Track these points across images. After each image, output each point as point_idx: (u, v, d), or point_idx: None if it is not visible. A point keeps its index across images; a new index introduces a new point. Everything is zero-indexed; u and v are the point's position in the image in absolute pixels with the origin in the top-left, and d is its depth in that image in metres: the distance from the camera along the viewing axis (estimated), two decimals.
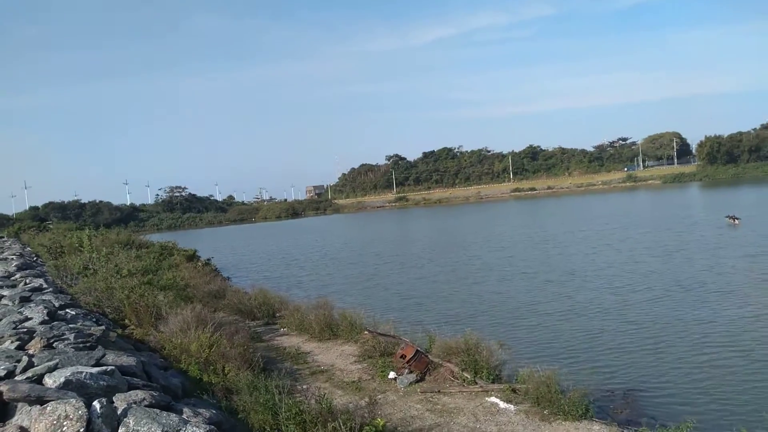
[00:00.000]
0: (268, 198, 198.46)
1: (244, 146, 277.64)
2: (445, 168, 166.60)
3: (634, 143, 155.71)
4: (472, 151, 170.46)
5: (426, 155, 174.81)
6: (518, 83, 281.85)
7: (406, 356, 9.99)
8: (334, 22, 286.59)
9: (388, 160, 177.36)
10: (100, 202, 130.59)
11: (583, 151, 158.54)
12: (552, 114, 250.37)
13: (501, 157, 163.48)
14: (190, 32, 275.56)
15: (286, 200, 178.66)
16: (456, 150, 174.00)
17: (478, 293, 20.61)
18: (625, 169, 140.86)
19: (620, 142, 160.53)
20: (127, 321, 11.54)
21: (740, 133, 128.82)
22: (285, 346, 12.46)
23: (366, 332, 12.00)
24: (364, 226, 77.44)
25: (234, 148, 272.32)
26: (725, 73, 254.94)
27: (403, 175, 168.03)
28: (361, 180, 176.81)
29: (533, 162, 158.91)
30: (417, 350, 10.12)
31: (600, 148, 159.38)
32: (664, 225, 38.39)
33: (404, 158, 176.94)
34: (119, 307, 12.29)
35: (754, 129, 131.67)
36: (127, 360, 6.87)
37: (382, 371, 10.19)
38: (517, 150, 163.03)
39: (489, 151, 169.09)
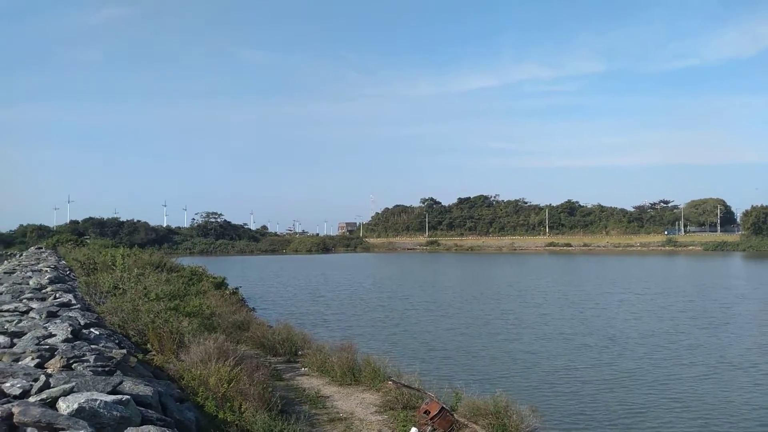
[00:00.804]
0: (300, 231, 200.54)
1: (282, 178, 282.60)
2: (479, 215, 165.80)
3: (676, 207, 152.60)
4: (509, 201, 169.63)
5: (461, 201, 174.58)
6: (560, 137, 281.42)
7: (430, 412, 9.49)
8: (375, 64, 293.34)
9: (423, 203, 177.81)
10: (138, 221, 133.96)
11: (622, 210, 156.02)
12: (593, 170, 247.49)
13: (538, 209, 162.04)
14: (238, 66, 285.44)
15: (318, 234, 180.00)
16: (492, 198, 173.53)
17: (510, 351, 19.77)
18: (666, 232, 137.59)
19: (662, 204, 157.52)
20: (149, 346, 11.38)
21: None
22: (305, 387, 12.07)
23: (389, 382, 11.53)
24: (394, 267, 76.95)
25: (271, 180, 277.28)
26: None
27: (437, 219, 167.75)
28: (394, 221, 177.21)
29: (570, 217, 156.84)
30: (442, 407, 9.61)
31: (640, 209, 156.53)
32: (708, 295, 36.89)
33: (439, 202, 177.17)
34: (143, 330, 12.17)
35: None
36: (144, 389, 6.63)
37: (403, 426, 9.70)
38: (554, 204, 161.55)
39: (526, 203, 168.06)
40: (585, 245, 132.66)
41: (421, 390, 11.07)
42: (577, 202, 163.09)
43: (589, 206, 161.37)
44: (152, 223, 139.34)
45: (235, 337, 15.31)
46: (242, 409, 8.51)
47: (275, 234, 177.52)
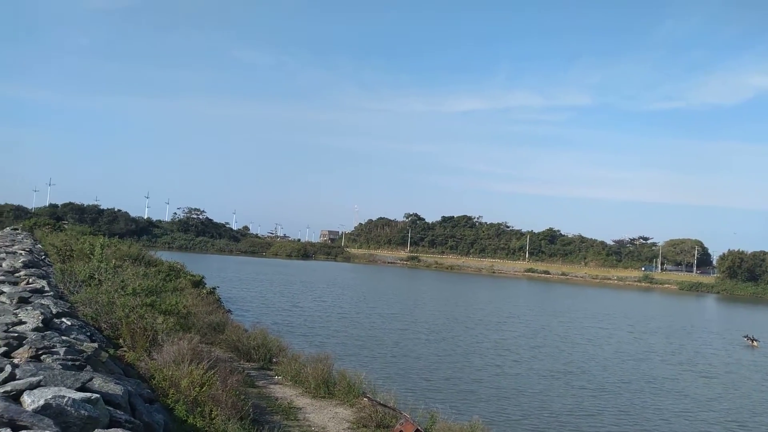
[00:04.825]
0: (282, 235, 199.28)
1: (267, 180, 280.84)
2: (462, 235, 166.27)
3: (654, 244, 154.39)
4: (491, 224, 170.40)
5: (445, 219, 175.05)
6: (545, 164, 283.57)
7: None
8: (368, 76, 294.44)
9: (407, 218, 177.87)
10: (119, 210, 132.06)
11: (602, 243, 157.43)
12: (575, 200, 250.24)
13: (519, 234, 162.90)
14: (233, 65, 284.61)
15: (299, 240, 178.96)
16: (475, 219, 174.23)
17: (492, 379, 19.51)
18: (643, 268, 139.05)
19: (641, 240, 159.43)
20: (121, 341, 11.04)
21: (764, 252, 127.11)
22: (278, 396, 11.80)
23: (365, 398, 11.33)
24: (375, 281, 76.64)
25: (257, 181, 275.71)
26: (756, 190, 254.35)
27: (419, 235, 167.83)
28: (377, 233, 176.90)
29: (551, 245, 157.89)
30: (417, 429, 9.43)
31: (620, 243, 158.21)
32: (683, 335, 37.25)
33: (422, 219, 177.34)
34: (116, 324, 11.83)
35: None
36: (114, 388, 6.37)
37: None
38: (536, 230, 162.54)
39: (508, 227, 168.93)
40: (563, 274, 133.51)
41: (396, 410, 10.88)
42: (558, 230, 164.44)
43: (570, 236, 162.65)
44: (133, 213, 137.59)
45: (209, 339, 15.01)
46: (213, 416, 8.25)
47: (256, 236, 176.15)
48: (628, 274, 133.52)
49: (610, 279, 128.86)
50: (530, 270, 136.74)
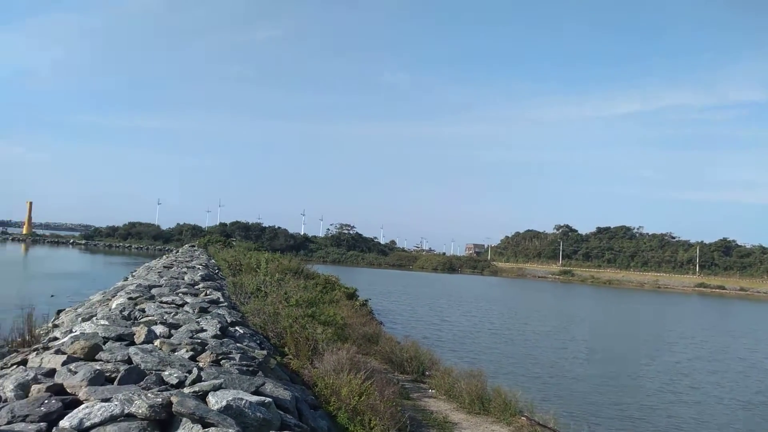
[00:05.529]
0: (427, 248, 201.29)
1: (413, 195, 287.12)
2: (620, 248, 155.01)
3: None
4: (654, 234, 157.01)
5: (600, 230, 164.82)
6: (713, 168, 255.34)
7: None
8: (509, 83, 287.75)
9: (557, 229, 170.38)
10: (278, 228, 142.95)
11: None
12: (753, 207, 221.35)
13: (687, 246, 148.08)
14: (378, 86, 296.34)
15: (444, 254, 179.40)
16: (635, 230, 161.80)
17: (663, 404, 17.39)
18: None
19: None
20: (286, 349, 11.78)
21: None
22: (432, 410, 11.77)
23: (522, 417, 10.87)
24: (525, 295, 74.13)
25: (401, 196, 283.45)
26: None
27: (572, 248, 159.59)
28: (525, 246, 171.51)
29: (725, 257, 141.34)
30: None
31: None
32: None
33: (575, 230, 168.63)
34: (281, 333, 12.65)
35: None
36: (283, 393, 6.77)
37: None
38: (706, 241, 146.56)
39: (673, 238, 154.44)
40: (742, 289, 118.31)
41: (557, 431, 10.29)
42: (733, 240, 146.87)
43: (748, 246, 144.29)
44: (291, 230, 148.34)
45: (364, 350, 15.46)
46: (372, 425, 8.41)
47: (403, 249, 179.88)
48: None
49: None
50: (701, 285, 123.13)
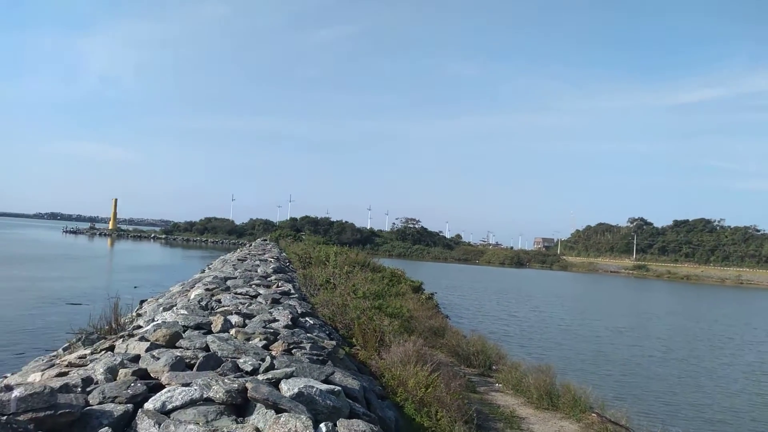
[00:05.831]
0: (494, 242, 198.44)
1: (478, 189, 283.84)
2: (699, 241, 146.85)
3: None
4: (736, 228, 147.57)
5: (677, 224, 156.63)
6: None
7: None
8: (579, 73, 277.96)
9: (630, 222, 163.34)
10: (346, 222, 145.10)
11: None
12: None
13: None
14: (441, 79, 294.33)
15: (512, 248, 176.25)
16: (716, 223, 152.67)
17: (748, 407, 16.47)
18: None
19: None
20: (354, 340, 12.02)
21: None
22: (499, 404, 11.68)
23: (592, 414, 10.60)
24: (597, 291, 71.68)
25: (467, 190, 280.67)
26: None
27: (647, 242, 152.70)
28: (596, 239, 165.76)
29: None
30: None
31: None
32: None
33: (650, 223, 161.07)
34: (349, 324, 12.91)
35: None
36: (352, 382, 6.92)
37: None
38: None
39: (758, 231, 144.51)
40: None
41: (629, 429, 9.98)
42: None
43: None
44: (357, 224, 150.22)
45: (430, 342, 15.51)
46: (438, 417, 8.46)
47: (469, 244, 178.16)
48: None
49: None
50: None
